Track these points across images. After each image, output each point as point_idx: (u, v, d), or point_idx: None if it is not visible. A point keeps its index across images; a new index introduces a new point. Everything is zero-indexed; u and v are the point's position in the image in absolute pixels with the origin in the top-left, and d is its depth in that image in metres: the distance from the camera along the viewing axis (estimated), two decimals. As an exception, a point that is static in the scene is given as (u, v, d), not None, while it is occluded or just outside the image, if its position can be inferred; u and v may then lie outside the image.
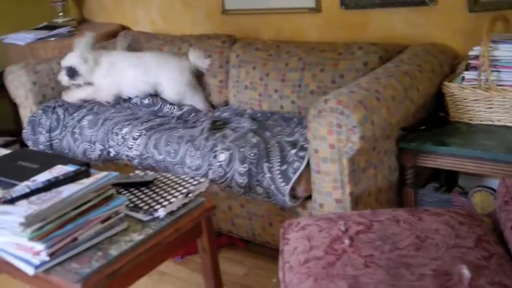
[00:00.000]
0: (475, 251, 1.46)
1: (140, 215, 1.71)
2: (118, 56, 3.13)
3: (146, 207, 1.73)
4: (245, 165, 2.15)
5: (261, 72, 2.82)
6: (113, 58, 3.10)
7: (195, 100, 2.99)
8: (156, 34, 3.49)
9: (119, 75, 3.06)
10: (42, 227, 1.45)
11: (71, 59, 3.05)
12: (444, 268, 1.40)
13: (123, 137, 2.62)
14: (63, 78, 3.07)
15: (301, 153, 2.10)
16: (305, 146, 2.11)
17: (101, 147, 2.68)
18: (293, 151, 2.13)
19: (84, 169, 1.67)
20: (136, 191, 1.85)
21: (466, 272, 1.37)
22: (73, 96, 3.09)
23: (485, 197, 2.18)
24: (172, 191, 1.81)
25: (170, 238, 1.66)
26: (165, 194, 1.80)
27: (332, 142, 1.90)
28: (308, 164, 2.04)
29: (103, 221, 1.60)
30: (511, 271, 1.40)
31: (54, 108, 3.00)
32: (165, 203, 1.74)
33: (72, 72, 3.02)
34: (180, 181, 1.88)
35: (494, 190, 2.16)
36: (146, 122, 2.70)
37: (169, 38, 3.33)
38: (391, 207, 2.18)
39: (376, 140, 2.05)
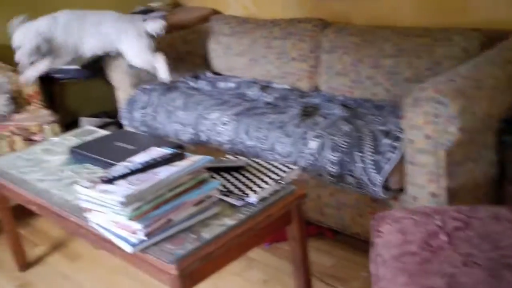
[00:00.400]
0: None
1: (232, 200, 1.72)
2: (72, 16, 3.08)
3: (238, 192, 1.74)
4: (337, 153, 2.12)
5: (353, 58, 2.75)
6: (67, 18, 3.05)
7: (157, 68, 3.13)
8: (247, 18, 3.50)
9: (76, 36, 3.05)
10: (140, 207, 1.50)
11: (20, 40, 2.91)
12: (553, 273, 1.32)
13: (213, 122, 2.65)
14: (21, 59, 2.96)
15: (395, 143, 2.03)
16: (399, 136, 2.04)
17: (193, 131, 2.73)
18: (387, 140, 2.07)
19: (180, 152, 1.71)
20: (227, 176, 1.87)
21: None
22: (29, 74, 3.05)
23: None
24: (264, 177, 1.81)
25: (262, 224, 1.67)
26: (256, 180, 1.80)
27: (429, 133, 1.83)
28: (402, 154, 1.98)
29: (196, 204, 1.63)
30: None
31: (150, 89, 3.10)
32: (257, 189, 1.74)
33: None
34: (271, 167, 1.89)
35: None
36: (234, 106, 2.71)
37: (260, 22, 3.33)
38: (489, 204, 2.07)
39: (475, 132, 1.95)
